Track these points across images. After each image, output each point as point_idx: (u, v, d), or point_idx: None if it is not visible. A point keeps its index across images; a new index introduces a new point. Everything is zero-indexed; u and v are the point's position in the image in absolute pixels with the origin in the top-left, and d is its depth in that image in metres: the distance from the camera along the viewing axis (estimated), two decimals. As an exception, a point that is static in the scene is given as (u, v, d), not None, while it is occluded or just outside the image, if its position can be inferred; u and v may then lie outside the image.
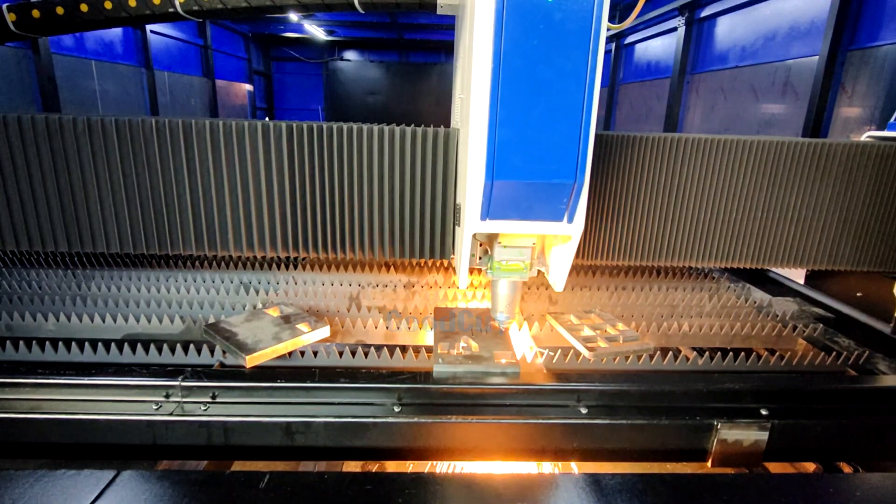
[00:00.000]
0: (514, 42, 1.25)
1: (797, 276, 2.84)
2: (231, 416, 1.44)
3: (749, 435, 1.50)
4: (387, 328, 2.01)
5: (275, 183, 1.90)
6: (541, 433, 1.48)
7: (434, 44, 18.08)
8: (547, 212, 1.47)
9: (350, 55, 19.94)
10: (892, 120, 2.73)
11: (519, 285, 1.80)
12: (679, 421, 1.49)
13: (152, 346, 1.71)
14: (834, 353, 1.87)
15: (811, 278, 2.67)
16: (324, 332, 1.83)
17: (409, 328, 2.00)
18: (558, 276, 1.76)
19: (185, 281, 2.41)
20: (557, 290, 1.79)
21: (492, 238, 1.76)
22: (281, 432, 1.44)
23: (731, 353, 1.80)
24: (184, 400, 1.48)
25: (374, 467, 2.47)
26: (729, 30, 9.51)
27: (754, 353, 1.83)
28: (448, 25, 15.17)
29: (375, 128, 1.88)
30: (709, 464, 1.52)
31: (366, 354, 1.74)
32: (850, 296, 2.43)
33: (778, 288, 2.74)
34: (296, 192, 1.93)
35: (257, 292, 2.32)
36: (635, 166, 1.97)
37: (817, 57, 6.66)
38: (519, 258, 1.72)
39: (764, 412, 1.53)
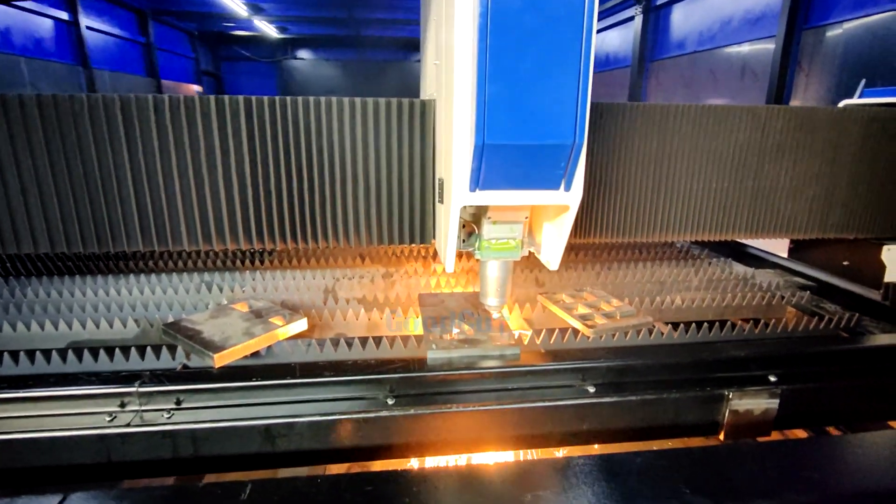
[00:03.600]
0: (507, -19, 1.13)
1: (773, 248, 2.87)
2: (200, 423, 1.26)
3: (760, 403, 1.44)
4: (369, 319, 1.85)
5: (233, 165, 1.71)
6: (547, 416, 1.37)
7: (393, 41, 17.84)
8: (543, 178, 1.36)
9: (304, 54, 19.45)
10: (858, 91, 2.79)
11: (510, 266, 1.69)
12: (690, 393, 1.41)
13: (102, 353, 1.50)
14: (826, 318, 1.85)
15: (794, 250, 2.69)
16: (301, 324, 1.66)
17: (394, 317, 1.86)
18: (553, 253, 1.66)
19: (138, 282, 2.17)
20: (552, 269, 1.69)
21: (478, 216, 1.64)
22: (259, 437, 1.27)
23: (728, 323, 1.76)
24: (142, 408, 1.29)
25: (358, 468, 2.31)
26: (685, 16, 9.79)
27: (751, 322, 1.79)
28: (408, 21, 14.97)
29: (346, 100, 1.72)
30: (721, 436, 1.46)
31: (349, 346, 1.59)
32: (829, 264, 2.46)
33: (756, 261, 2.75)
34: (258, 176, 1.74)
35: (220, 290, 2.12)
36: (625, 137, 1.90)
37: (774, 38, 6.94)
38: (510, 235, 1.61)
39: (772, 378, 1.47)
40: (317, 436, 1.28)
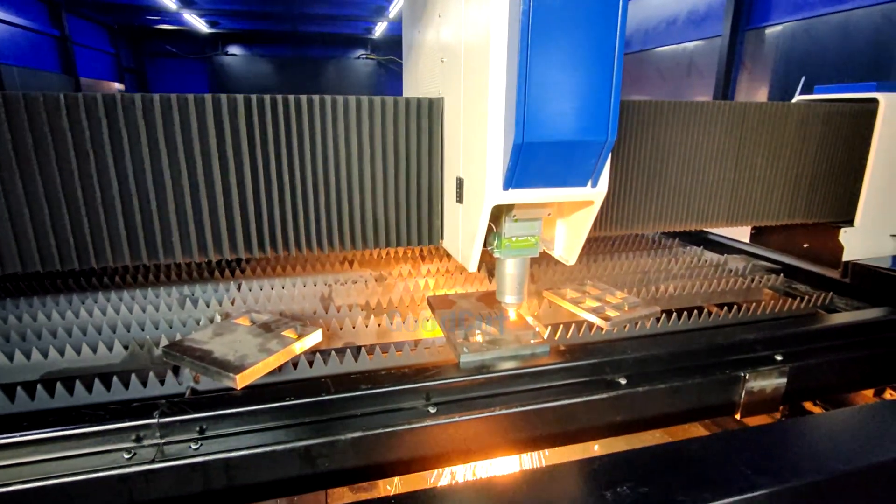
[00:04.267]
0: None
1: (733, 234, 3.07)
2: (232, 451, 1.16)
3: (771, 382, 1.53)
4: (379, 325, 1.79)
5: (231, 168, 1.59)
6: (584, 410, 1.39)
7: (331, 37, 17.36)
8: (574, 175, 1.38)
9: (235, 49, 18.50)
10: (799, 88, 3.04)
11: (528, 262, 1.69)
12: (712, 377, 1.48)
13: (97, 382, 1.34)
14: (806, 299, 2.00)
15: (756, 236, 2.89)
16: (316, 336, 1.57)
17: (404, 322, 1.80)
18: (570, 249, 1.68)
19: (109, 300, 1.97)
20: (570, 264, 1.71)
21: (496, 215, 1.63)
22: (299, 459, 1.19)
23: (725, 308, 1.86)
24: (163, 441, 1.17)
25: (365, 485, 2.23)
26: (629, 17, 10.23)
27: (744, 305, 1.91)
28: (348, 17, 14.62)
29: (353, 99, 1.65)
30: (738, 415, 1.54)
31: (370, 354, 1.52)
32: (791, 248, 2.67)
33: (724, 248, 2.93)
34: (259, 180, 1.63)
35: (207, 304, 1.96)
36: (621, 133, 1.95)
37: (718, 38, 7.48)
38: (530, 232, 1.61)
39: (779, 358, 1.57)
40: (360, 452, 1.22)
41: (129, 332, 1.73)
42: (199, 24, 15.43)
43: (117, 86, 15.14)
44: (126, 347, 1.61)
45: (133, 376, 1.37)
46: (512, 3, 1.19)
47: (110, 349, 1.59)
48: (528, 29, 1.16)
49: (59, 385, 1.32)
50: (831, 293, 2.06)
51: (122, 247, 1.54)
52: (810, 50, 6.35)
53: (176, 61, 17.48)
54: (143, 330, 1.74)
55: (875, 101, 2.26)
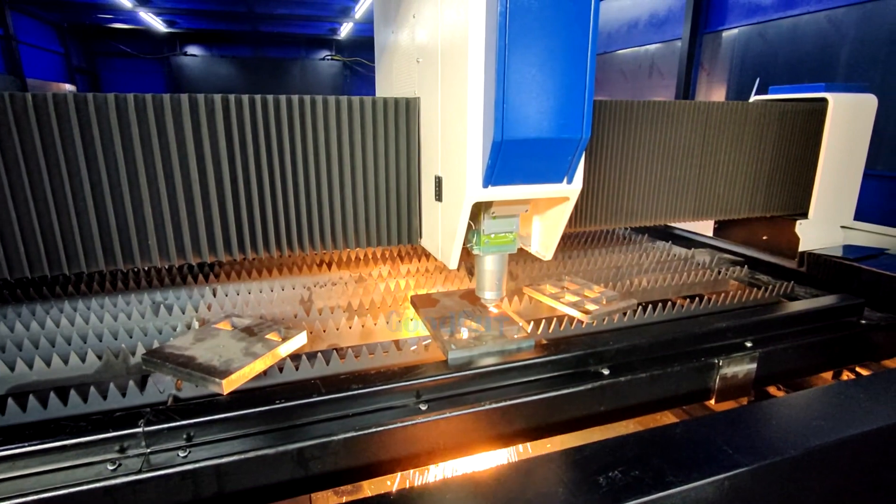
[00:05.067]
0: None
1: (695, 228, 3.21)
2: (223, 457, 1.14)
3: (743, 368, 1.61)
4: (363, 326, 1.78)
5: (210, 170, 1.56)
6: (571, 401, 1.42)
7: (295, 37, 17.06)
8: (550, 172, 1.42)
9: (194, 50, 17.94)
10: (754, 89, 3.21)
11: (506, 258, 1.73)
12: (689, 364, 1.55)
13: (73, 393, 1.29)
14: (770, 288, 2.11)
15: (718, 230, 3.02)
16: (300, 339, 1.55)
17: (388, 322, 1.80)
18: (547, 244, 1.72)
19: (76, 308, 1.89)
20: (546, 259, 1.76)
21: (473, 212, 1.66)
22: (291, 462, 1.18)
23: (696, 299, 1.94)
24: (149, 450, 1.14)
25: (349, 488, 2.22)
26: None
27: (713, 296, 1.99)
28: (310, 17, 14.40)
29: (332, 99, 1.65)
30: (713, 401, 1.61)
31: (356, 355, 1.52)
32: (751, 240, 2.81)
33: (689, 242, 3.05)
34: (238, 181, 1.61)
35: (183, 311, 1.91)
36: (594, 131, 2.01)
37: (678, 41, 7.81)
38: (508, 229, 1.64)
39: (749, 344, 1.66)
40: (353, 452, 1.22)
41: (101, 341, 1.67)
42: (156, 24, 14.87)
43: (67, 87, 14.42)
44: (100, 357, 1.55)
45: (111, 386, 1.32)
46: (489, 4, 1.21)
47: (83, 360, 1.53)
48: (505, 30, 1.19)
49: (31, 398, 1.26)
50: (792, 282, 2.18)
51: (95, 251, 1.49)
52: (764, 52, 6.75)
53: (131, 62, 16.78)
54: (116, 339, 1.68)
55: (824, 101, 2.41)
